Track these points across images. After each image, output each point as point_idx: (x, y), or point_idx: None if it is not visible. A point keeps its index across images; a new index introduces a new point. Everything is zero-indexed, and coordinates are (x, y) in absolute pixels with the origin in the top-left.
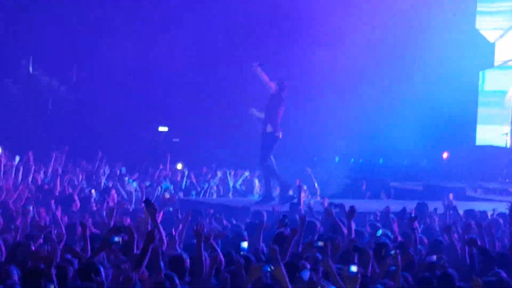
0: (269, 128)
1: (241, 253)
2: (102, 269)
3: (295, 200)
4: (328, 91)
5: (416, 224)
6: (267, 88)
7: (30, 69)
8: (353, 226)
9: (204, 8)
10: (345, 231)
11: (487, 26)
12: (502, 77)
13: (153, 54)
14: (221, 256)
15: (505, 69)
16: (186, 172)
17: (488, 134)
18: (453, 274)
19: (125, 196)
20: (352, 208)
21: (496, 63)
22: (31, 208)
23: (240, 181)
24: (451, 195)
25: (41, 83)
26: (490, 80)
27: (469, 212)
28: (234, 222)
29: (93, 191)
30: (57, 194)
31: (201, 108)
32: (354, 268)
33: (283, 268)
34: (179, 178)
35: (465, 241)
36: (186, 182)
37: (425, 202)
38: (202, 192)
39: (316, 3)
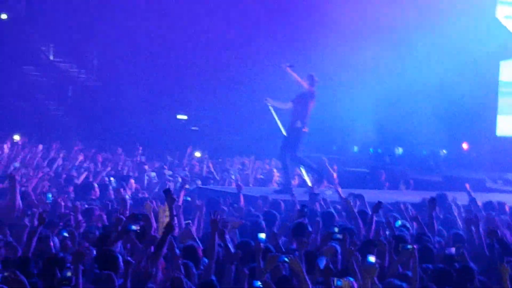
0: (298, 124)
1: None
2: (120, 258)
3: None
4: (347, 81)
5: (434, 213)
6: (300, 86)
7: (51, 56)
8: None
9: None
10: (361, 223)
11: (508, 13)
12: None
13: (172, 42)
14: (232, 249)
15: None
16: (206, 161)
17: (509, 125)
18: (473, 267)
19: (145, 184)
20: (379, 203)
21: None
22: (50, 195)
23: (259, 171)
24: (467, 186)
25: (61, 69)
26: (510, 71)
27: (488, 204)
28: (252, 211)
29: (112, 179)
30: (77, 182)
31: (220, 97)
32: (372, 259)
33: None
34: (197, 167)
35: (485, 233)
36: (204, 170)
37: (445, 193)
38: (222, 180)
39: None
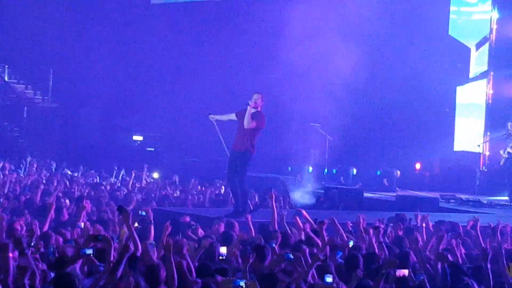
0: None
1: (220, 258)
2: (76, 281)
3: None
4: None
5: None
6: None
7: (6, 77)
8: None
9: (178, 15)
10: (319, 242)
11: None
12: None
13: (129, 62)
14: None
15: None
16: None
17: (464, 144)
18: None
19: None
20: (321, 221)
21: (471, 74)
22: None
23: (216, 191)
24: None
25: (17, 91)
26: (465, 94)
27: (440, 223)
28: (208, 232)
29: (66, 201)
30: (37, 204)
31: (176, 117)
32: (329, 279)
33: (257, 283)
34: (154, 187)
35: (437, 255)
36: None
37: (403, 213)
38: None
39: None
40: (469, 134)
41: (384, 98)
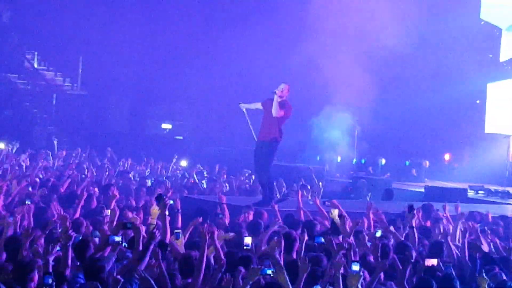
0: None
1: (245, 248)
2: (106, 267)
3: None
4: (332, 92)
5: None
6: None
7: (35, 64)
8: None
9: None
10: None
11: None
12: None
13: (158, 51)
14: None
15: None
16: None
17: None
18: (453, 278)
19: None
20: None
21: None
22: (30, 203)
23: (245, 180)
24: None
25: (46, 78)
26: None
27: (470, 215)
28: (236, 221)
29: (95, 189)
30: (62, 190)
31: (205, 106)
32: (355, 267)
33: (285, 272)
34: (180, 175)
35: (467, 244)
36: (189, 179)
37: (430, 203)
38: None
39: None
40: (501, 118)
41: (414, 89)
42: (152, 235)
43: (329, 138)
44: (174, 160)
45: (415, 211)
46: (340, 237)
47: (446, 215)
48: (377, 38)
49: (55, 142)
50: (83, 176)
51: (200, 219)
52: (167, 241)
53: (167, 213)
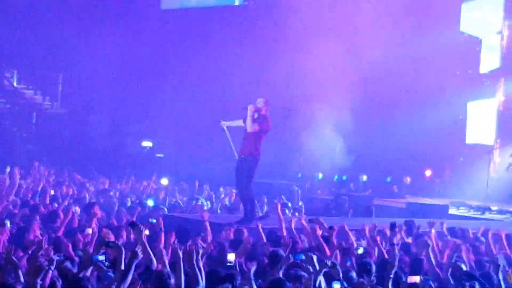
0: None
1: (228, 264)
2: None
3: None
4: (313, 106)
5: (395, 240)
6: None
7: (14, 83)
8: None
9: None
10: (327, 250)
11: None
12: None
13: (138, 68)
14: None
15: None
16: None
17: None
18: None
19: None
20: (331, 226)
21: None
22: (8, 223)
23: (227, 198)
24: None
25: (26, 96)
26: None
27: (451, 230)
28: (218, 238)
29: (77, 208)
30: (43, 210)
31: (185, 123)
32: (336, 286)
33: None
34: (163, 194)
35: (451, 265)
36: (169, 198)
37: (412, 220)
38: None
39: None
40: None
41: (395, 105)
42: (134, 254)
43: (311, 155)
44: (154, 178)
45: (397, 229)
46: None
47: (431, 232)
48: (359, 56)
49: (36, 165)
50: (64, 194)
51: (173, 235)
52: (153, 266)
53: (146, 233)
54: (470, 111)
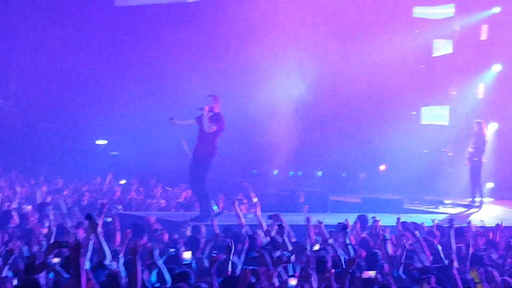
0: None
1: (184, 263)
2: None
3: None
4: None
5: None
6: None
7: None
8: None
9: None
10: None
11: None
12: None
13: (92, 65)
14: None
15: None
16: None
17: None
18: None
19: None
20: (280, 225)
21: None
22: None
23: (181, 195)
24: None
25: None
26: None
27: (403, 225)
28: (175, 236)
29: (29, 207)
30: None
31: (139, 121)
32: (293, 282)
33: None
34: (118, 192)
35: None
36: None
37: (365, 215)
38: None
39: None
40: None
41: (349, 100)
42: (75, 249)
43: (265, 151)
44: (109, 177)
45: (348, 229)
46: (279, 252)
47: (382, 226)
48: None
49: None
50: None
51: (130, 233)
52: (106, 261)
53: (100, 230)
54: (424, 113)
